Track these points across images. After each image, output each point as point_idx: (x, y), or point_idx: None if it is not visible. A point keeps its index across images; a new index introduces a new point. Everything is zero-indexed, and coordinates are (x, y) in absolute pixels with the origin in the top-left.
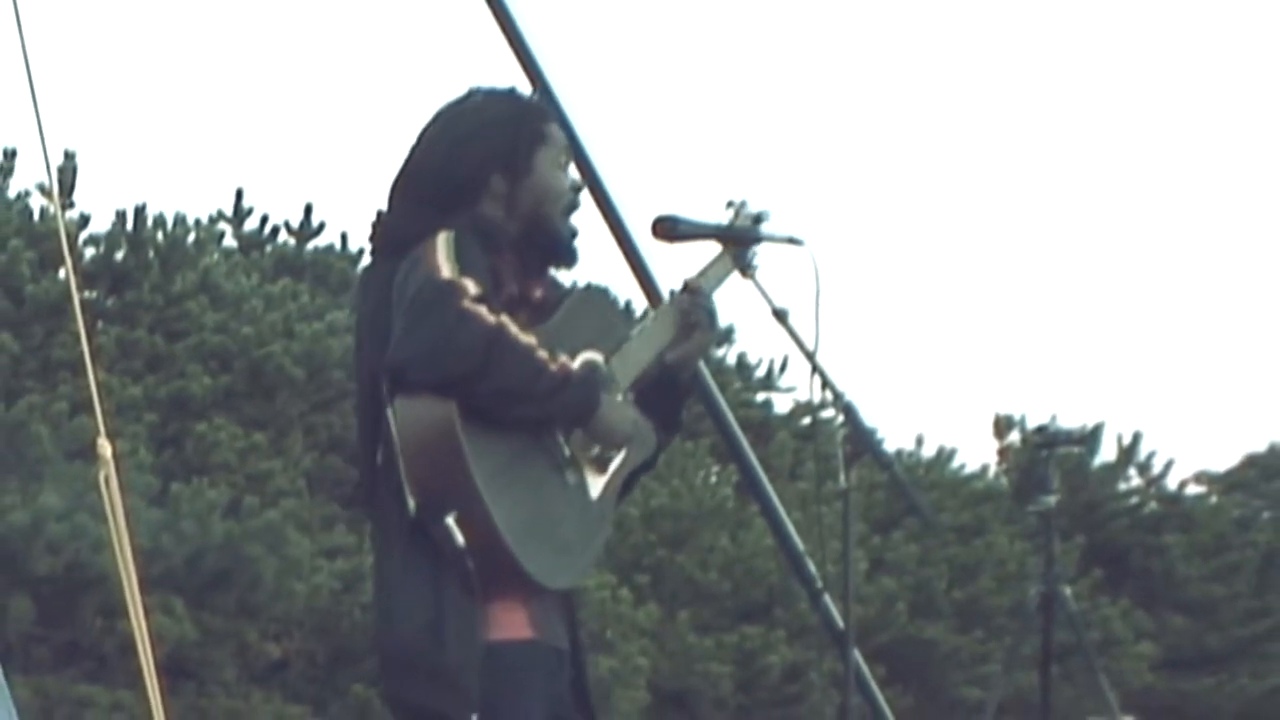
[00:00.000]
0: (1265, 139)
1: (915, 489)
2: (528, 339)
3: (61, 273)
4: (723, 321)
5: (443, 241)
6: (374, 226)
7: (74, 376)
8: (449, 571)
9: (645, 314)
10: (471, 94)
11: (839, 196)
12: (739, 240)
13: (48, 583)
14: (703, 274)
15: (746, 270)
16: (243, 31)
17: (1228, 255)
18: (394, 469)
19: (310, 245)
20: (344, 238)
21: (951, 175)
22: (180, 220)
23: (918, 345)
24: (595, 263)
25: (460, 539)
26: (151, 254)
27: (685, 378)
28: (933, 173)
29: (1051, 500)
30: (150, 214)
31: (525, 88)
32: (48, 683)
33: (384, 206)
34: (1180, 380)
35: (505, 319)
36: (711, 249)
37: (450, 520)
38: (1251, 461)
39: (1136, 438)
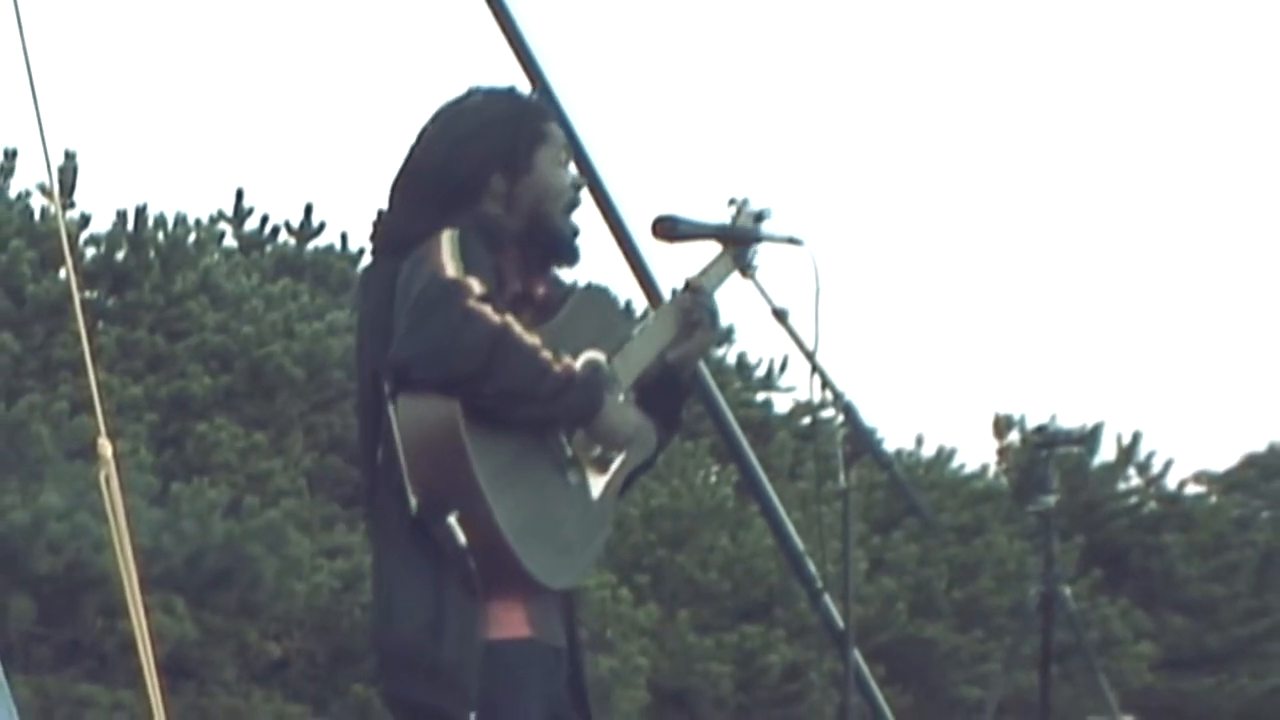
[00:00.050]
0: (1265, 139)
1: (915, 489)
2: (532, 339)
3: (62, 272)
4: (723, 321)
5: (447, 240)
6: (374, 226)
7: (75, 376)
8: (449, 570)
9: (646, 313)
10: (471, 93)
11: (839, 196)
12: (739, 240)
13: (48, 582)
14: (704, 273)
15: (746, 270)
16: (243, 31)
17: (1227, 255)
18: (395, 468)
19: (310, 245)
20: (344, 238)
21: (951, 175)
22: (181, 220)
23: (918, 345)
24: (595, 263)
25: (462, 538)
26: (152, 254)
27: (686, 377)
28: (932, 173)
29: (1051, 500)
30: (151, 214)
31: (525, 88)
32: (48, 682)
33: (384, 206)
34: (1180, 380)
35: (510, 319)
36: (711, 249)
37: (452, 519)
38: (1251, 461)
39: (1136, 437)
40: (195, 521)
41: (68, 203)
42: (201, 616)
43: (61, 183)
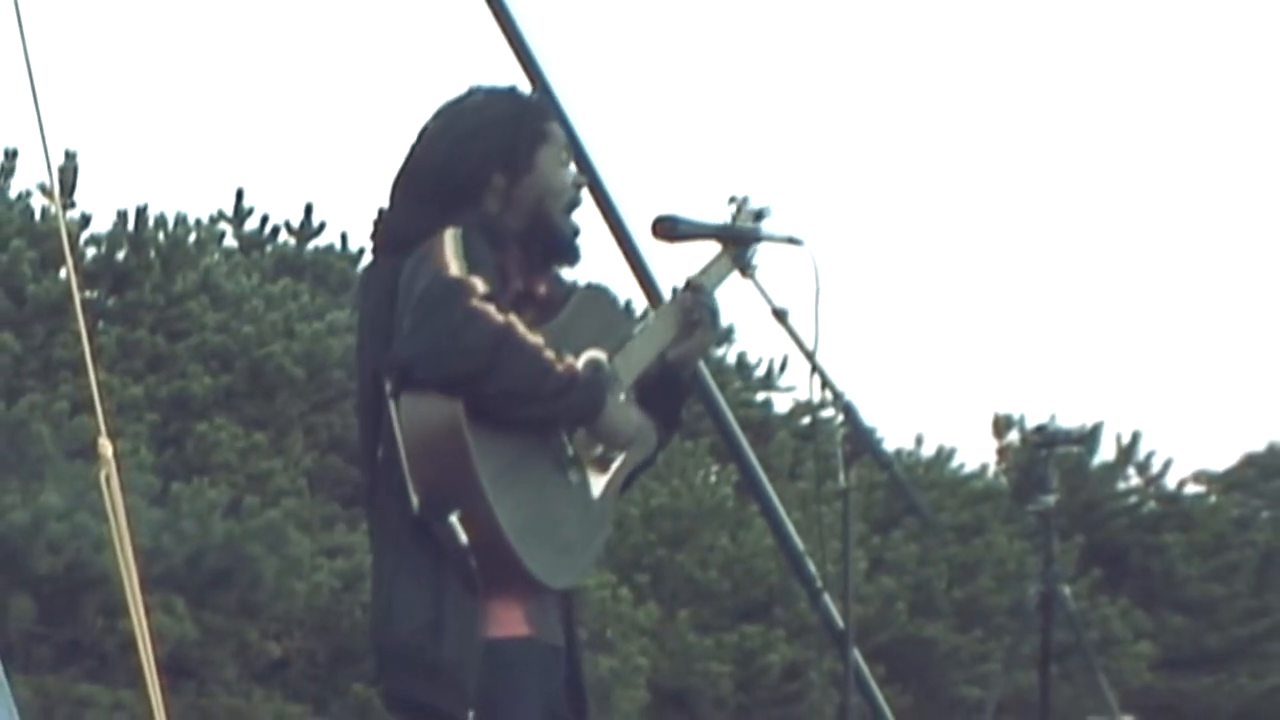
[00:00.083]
0: (1265, 139)
1: (915, 488)
2: (535, 339)
3: (63, 272)
4: (723, 321)
5: (450, 238)
6: (375, 225)
7: (75, 376)
8: (449, 570)
9: (646, 313)
10: (473, 92)
11: (839, 196)
12: (739, 240)
13: (48, 582)
14: (704, 272)
15: (746, 270)
16: (243, 31)
17: (1227, 255)
18: (395, 466)
19: (310, 245)
20: (344, 238)
21: (951, 175)
22: (181, 220)
23: (917, 345)
24: (595, 262)
25: (464, 537)
26: (152, 254)
27: (686, 376)
28: (932, 173)
29: (1051, 500)
30: (151, 214)
31: (525, 87)
32: (49, 682)
33: (384, 205)
34: (1179, 380)
35: (513, 318)
36: (711, 248)
37: (454, 518)
38: (1250, 461)
39: (1135, 437)
40: (195, 521)
41: (68, 203)
42: (202, 616)
43: (62, 183)
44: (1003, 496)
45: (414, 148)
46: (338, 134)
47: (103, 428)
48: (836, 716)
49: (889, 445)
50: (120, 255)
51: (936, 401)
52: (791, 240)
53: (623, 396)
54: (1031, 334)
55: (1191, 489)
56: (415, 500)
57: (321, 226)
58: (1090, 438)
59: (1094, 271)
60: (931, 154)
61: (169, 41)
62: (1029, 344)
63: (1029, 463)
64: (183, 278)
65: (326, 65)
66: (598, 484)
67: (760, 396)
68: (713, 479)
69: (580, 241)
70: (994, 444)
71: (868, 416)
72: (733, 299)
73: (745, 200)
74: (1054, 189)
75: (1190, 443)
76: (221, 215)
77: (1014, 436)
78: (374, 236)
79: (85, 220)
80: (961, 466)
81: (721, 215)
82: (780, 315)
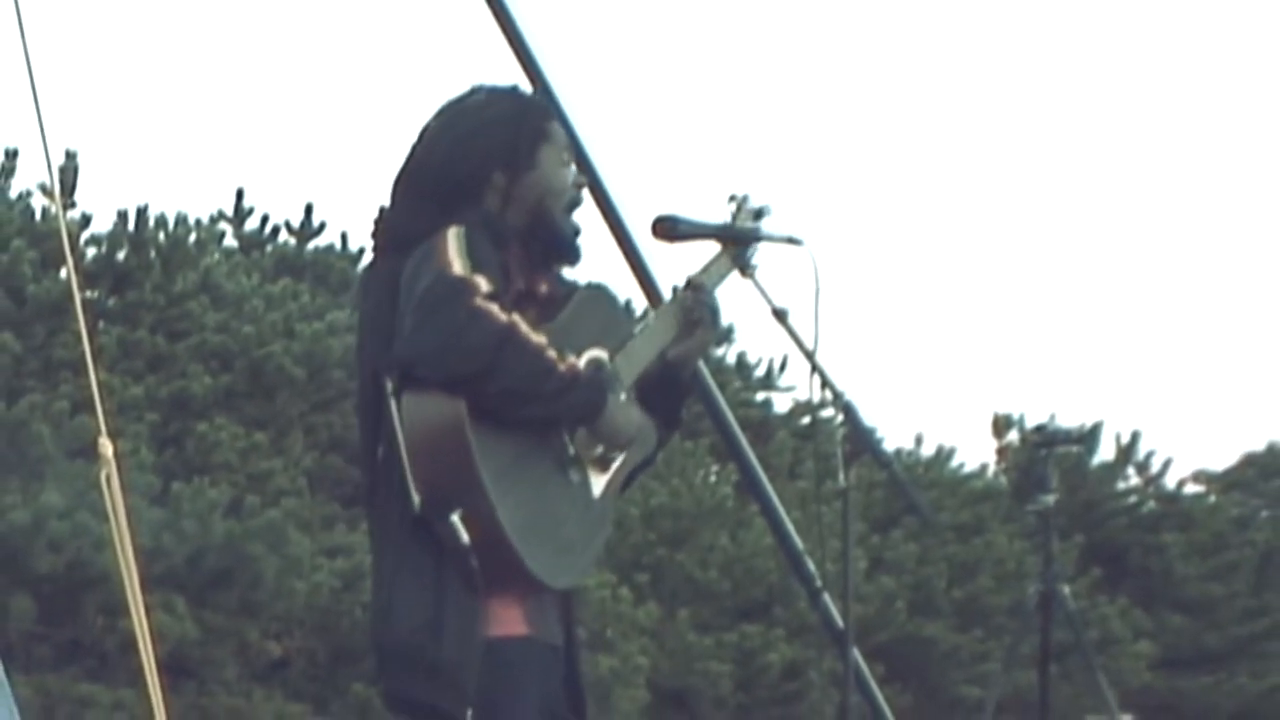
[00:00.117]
0: (1265, 139)
1: (914, 488)
2: (538, 338)
3: (63, 272)
4: (723, 320)
5: (453, 237)
6: (376, 224)
7: (75, 376)
8: (449, 569)
9: (646, 312)
10: (474, 91)
11: (839, 196)
12: (738, 239)
13: (49, 581)
14: (704, 271)
15: (746, 269)
16: (243, 31)
17: (1227, 255)
18: (395, 465)
19: (310, 245)
20: (344, 238)
21: (951, 175)
22: (181, 220)
23: (917, 345)
24: (595, 262)
25: (465, 536)
26: (153, 254)
27: (686, 375)
28: (932, 173)
29: (1050, 499)
30: (151, 214)
31: (526, 87)
32: (49, 681)
33: (385, 204)
34: (1178, 380)
35: (516, 318)
36: (711, 248)
37: (455, 517)
38: (1250, 461)
39: (1135, 437)
40: (196, 521)
41: (68, 203)
42: (202, 616)
43: (62, 183)
44: (1002, 496)
45: (415, 147)
46: (338, 134)
47: (103, 427)
48: (836, 716)
49: (889, 445)
50: (120, 255)
51: (936, 401)
52: (791, 240)
53: (624, 396)
54: (1031, 334)
55: (1191, 489)
56: (417, 499)
57: (321, 226)
58: (1090, 437)
59: (1093, 271)
60: (931, 154)
61: (169, 41)
62: (1029, 344)
63: (1029, 462)
64: (183, 278)
65: (327, 65)
66: (598, 483)
67: (760, 396)
68: (713, 479)
69: (581, 241)
70: (994, 444)
71: (867, 416)
72: (733, 299)
73: (745, 199)
74: (1053, 189)
75: (1190, 443)
76: (221, 215)
77: (1013, 436)
78: (374, 236)
79: (85, 220)
80: (961, 466)
81: (721, 215)
82: (780, 315)
